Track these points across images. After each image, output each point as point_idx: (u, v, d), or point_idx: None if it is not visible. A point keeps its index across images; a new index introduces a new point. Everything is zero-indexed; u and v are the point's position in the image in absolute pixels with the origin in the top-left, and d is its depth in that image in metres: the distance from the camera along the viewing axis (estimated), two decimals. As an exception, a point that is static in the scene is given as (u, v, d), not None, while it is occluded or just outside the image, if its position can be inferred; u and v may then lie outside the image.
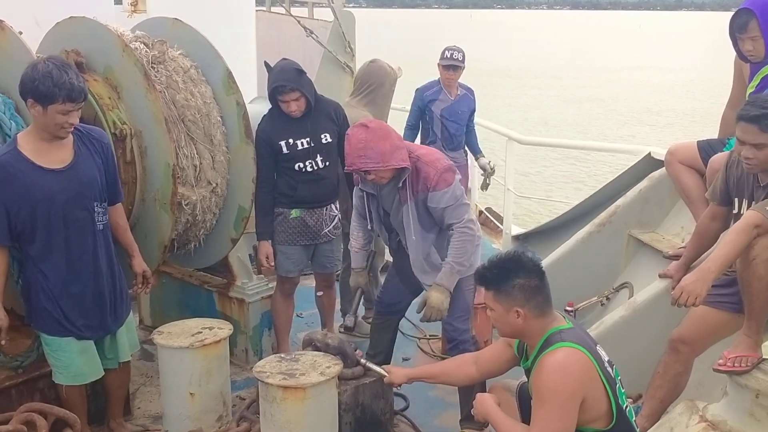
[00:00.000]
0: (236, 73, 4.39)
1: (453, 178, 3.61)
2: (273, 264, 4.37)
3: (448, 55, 5.86)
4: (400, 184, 3.61)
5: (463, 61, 5.87)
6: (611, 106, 25.49)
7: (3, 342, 3.24)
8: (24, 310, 3.31)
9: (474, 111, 6.15)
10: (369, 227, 3.93)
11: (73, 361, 3.43)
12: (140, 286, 3.65)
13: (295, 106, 4.17)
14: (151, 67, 4.05)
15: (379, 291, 4.27)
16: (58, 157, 3.26)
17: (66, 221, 3.27)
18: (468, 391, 3.72)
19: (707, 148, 4.15)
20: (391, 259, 4.20)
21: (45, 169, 3.21)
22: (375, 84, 4.88)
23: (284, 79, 4.12)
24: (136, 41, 4.12)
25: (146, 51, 4.10)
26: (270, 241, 4.35)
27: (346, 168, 3.67)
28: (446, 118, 5.93)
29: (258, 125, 4.33)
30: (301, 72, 4.19)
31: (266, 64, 4.29)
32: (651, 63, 40.16)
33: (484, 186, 6.51)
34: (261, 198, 4.31)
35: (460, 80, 6.04)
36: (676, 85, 30.77)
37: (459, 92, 6.02)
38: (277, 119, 4.25)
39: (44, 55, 3.41)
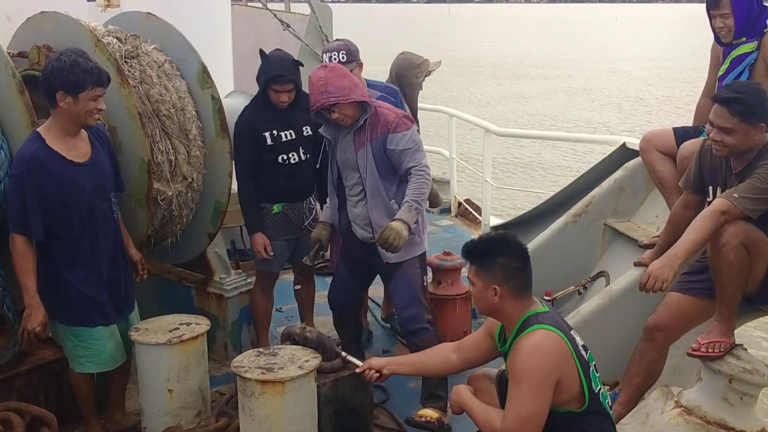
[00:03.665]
0: (212, 67, 4.38)
1: (412, 124, 3.73)
2: (272, 253, 4.32)
3: (326, 60, 4.24)
4: (358, 126, 3.66)
5: (348, 62, 4.21)
6: (589, 97, 25.65)
7: (49, 334, 3.40)
8: (47, 307, 3.36)
9: None
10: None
11: (105, 347, 3.52)
12: (139, 274, 3.77)
13: (286, 97, 4.19)
14: (125, 61, 4.03)
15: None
16: (81, 150, 3.38)
17: (92, 213, 3.40)
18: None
19: (684, 135, 4.17)
20: None
21: (74, 163, 3.33)
22: (399, 73, 5.15)
23: (284, 69, 4.14)
24: (108, 36, 4.09)
25: (119, 45, 4.07)
26: (262, 232, 4.30)
27: (311, 108, 3.70)
28: None
29: (240, 115, 4.31)
30: (297, 63, 4.26)
31: (262, 52, 4.27)
32: (628, 54, 40.46)
33: None
34: (245, 189, 4.30)
35: (377, 78, 4.82)
36: (652, 75, 31.02)
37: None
38: (261, 110, 4.24)
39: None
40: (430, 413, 3.64)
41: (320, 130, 3.89)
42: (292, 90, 4.18)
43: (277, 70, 4.12)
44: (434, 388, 3.77)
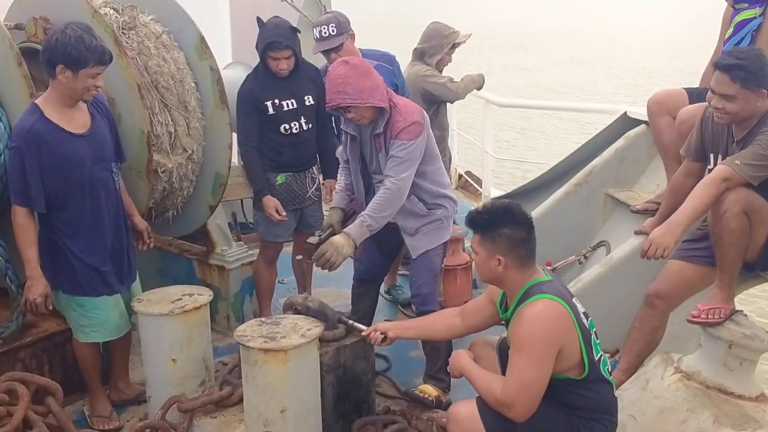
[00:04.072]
0: (210, 38, 4.34)
1: (417, 135, 3.50)
2: (285, 214, 4.28)
3: (317, 35, 4.34)
4: (379, 130, 3.55)
5: (339, 34, 4.28)
6: (590, 67, 25.48)
7: (50, 308, 3.40)
8: (50, 277, 3.39)
9: (399, 85, 4.63)
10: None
11: (110, 317, 3.56)
12: (145, 242, 3.78)
13: (285, 65, 4.14)
14: (122, 33, 4.01)
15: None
16: (80, 122, 3.37)
17: (93, 184, 3.39)
18: (434, 350, 3.76)
19: (698, 96, 4.03)
20: None
21: (74, 135, 3.33)
22: (426, 42, 5.18)
23: (280, 35, 4.08)
24: (105, 7, 4.06)
25: (116, 17, 4.04)
26: (270, 195, 4.26)
27: (326, 105, 3.59)
28: None
29: (242, 85, 4.28)
30: (295, 30, 4.19)
31: (259, 20, 4.22)
32: (628, 25, 40.15)
33: None
34: (249, 158, 4.27)
35: (372, 47, 4.77)
36: (653, 47, 30.79)
37: None
38: (263, 78, 4.20)
39: (61, 24, 3.36)
40: (430, 390, 3.69)
41: (342, 126, 3.76)
42: (291, 57, 4.13)
43: (273, 36, 4.07)
44: (436, 371, 3.78)
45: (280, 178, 4.32)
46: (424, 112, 3.68)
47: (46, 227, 3.39)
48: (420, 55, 5.22)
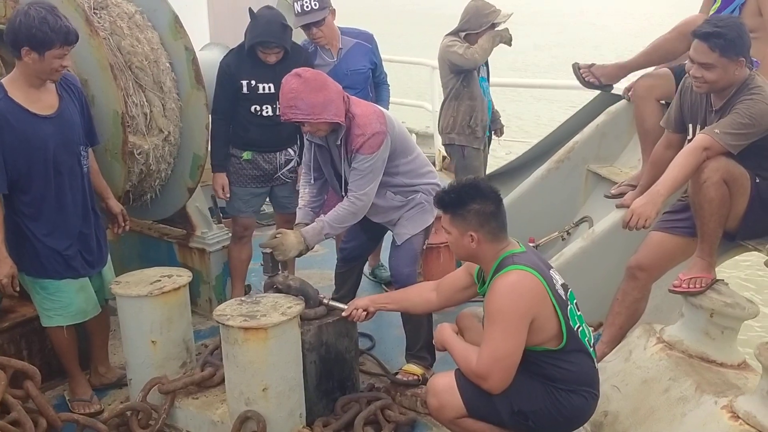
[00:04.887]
0: (186, 19, 4.26)
1: (378, 146, 3.44)
2: (228, 195, 4.33)
3: (298, 9, 4.31)
4: (339, 142, 3.50)
5: (321, 8, 4.30)
6: (575, 51, 25.50)
7: (17, 289, 3.32)
8: (15, 260, 3.31)
9: (378, 65, 4.70)
10: (315, 181, 3.77)
11: (73, 300, 3.50)
12: (120, 226, 3.72)
13: (274, 58, 4.13)
14: (93, 12, 3.92)
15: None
16: (47, 103, 3.31)
17: (57, 167, 3.32)
18: (415, 329, 3.75)
19: (681, 73, 4.00)
20: None
21: (38, 116, 3.26)
22: (466, 20, 5.10)
23: (270, 34, 4.04)
24: (76, -14, 3.97)
25: (87, -4, 3.95)
26: (225, 173, 4.30)
27: (280, 118, 3.52)
28: None
29: (224, 56, 4.27)
30: (285, 27, 4.13)
31: (250, 11, 4.17)
32: (611, 9, 40.23)
33: None
34: (216, 129, 4.26)
35: (351, 25, 4.74)
36: (636, 29, 30.85)
37: (343, 46, 4.53)
38: (246, 57, 4.16)
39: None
40: (414, 369, 3.68)
41: (308, 137, 3.66)
42: (280, 52, 4.12)
43: (263, 35, 4.04)
44: (418, 350, 3.77)
45: (247, 155, 4.29)
46: (386, 113, 3.60)
47: (9, 209, 3.33)
48: (455, 32, 5.16)
